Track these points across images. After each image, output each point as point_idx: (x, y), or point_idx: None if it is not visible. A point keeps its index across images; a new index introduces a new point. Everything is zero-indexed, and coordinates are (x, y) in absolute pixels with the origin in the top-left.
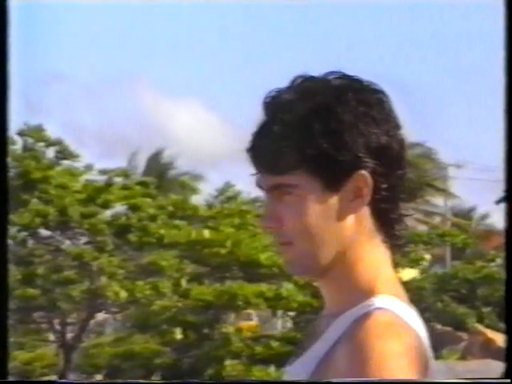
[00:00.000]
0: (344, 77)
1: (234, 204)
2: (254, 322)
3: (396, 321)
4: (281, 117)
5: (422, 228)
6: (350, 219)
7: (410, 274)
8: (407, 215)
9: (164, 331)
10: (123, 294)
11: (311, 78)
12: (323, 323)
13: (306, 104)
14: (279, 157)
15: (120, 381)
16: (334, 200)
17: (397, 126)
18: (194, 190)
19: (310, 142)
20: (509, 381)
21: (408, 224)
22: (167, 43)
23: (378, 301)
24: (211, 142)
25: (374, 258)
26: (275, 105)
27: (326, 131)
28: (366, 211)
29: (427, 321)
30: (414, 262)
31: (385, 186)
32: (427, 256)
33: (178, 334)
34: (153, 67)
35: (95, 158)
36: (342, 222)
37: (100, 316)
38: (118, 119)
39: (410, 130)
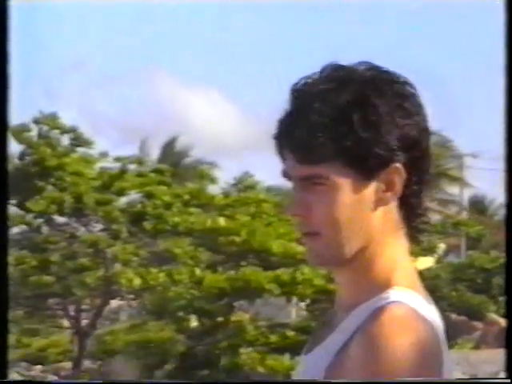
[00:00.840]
0: (374, 68)
1: (252, 193)
2: None
3: (411, 315)
4: (318, 106)
5: (437, 217)
6: (379, 212)
7: (425, 262)
8: (431, 209)
9: (179, 318)
10: (137, 281)
11: (342, 68)
12: (339, 314)
13: (344, 95)
14: (315, 147)
15: (119, 381)
16: (365, 192)
17: (425, 119)
18: (212, 180)
19: (347, 133)
20: (509, 381)
21: (429, 218)
22: (186, 32)
23: (393, 293)
24: (228, 131)
25: (394, 249)
26: (309, 94)
27: (365, 123)
28: (394, 203)
29: (442, 310)
30: (428, 251)
31: (415, 179)
32: (442, 245)
33: (193, 322)
34: (171, 56)
35: (112, 146)
36: (371, 214)
37: (114, 303)
38: (135, 107)
39: (431, 120)
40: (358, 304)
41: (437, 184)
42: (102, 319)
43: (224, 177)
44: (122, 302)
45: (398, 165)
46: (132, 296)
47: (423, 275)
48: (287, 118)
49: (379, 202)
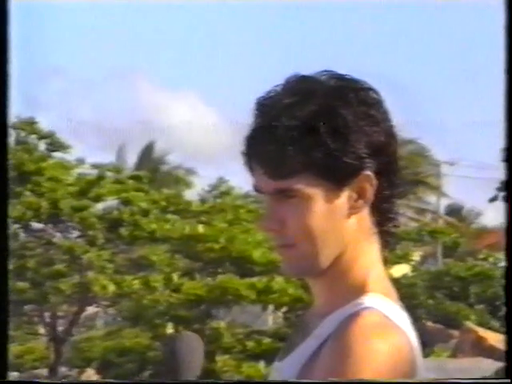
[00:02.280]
0: (338, 76)
1: (228, 199)
2: None
3: (383, 321)
4: (284, 121)
5: (414, 225)
6: (353, 220)
7: (401, 270)
8: (401, 213)
9: (155, 325)
10: (111, 288)
11: (305, 79)
12: (314, 321)
13: (309, 106)
14: (285, 161)
15: (119, 381)
16: (338, 201)
17: (391, 124)
18: (188, 185)
19: (316, 145)
20: (509, 381)
21: (399, 221)
22: (166, 36)
23: (367, 300)
24: (207, 136)
25: (368, 255)
26: (274, 108)
27: (333, 133)
28: (366, 210)
29: (418, 318)
30: (403, 259)
31: (385, 184)
32: (417, 253)
33: (169, 329)
34: (151, 60)
35: (91, 151)
36: (345, 222)
37: (91, 309)
38: (115, 112)
39: (403, 127)
40: (332, 311)
41: (414, 192)
42: (78, 326)
43: (202, 183)
44: (98, 309)
45: (368, 172)
46: (107, 303)
47: (399, 283)
48: (254, 134)
49: (352, 210)
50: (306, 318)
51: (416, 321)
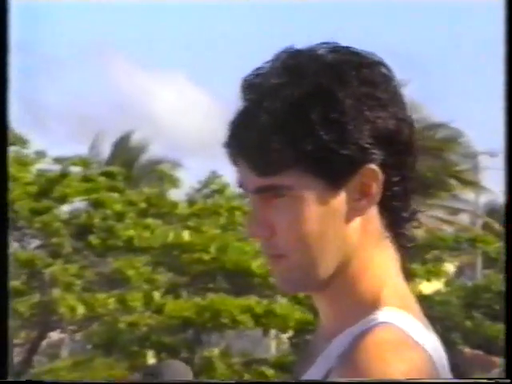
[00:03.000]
0: (338, 49)
1: (221, 199)
2: None
3: (400, 337)
4: (269, 105)
5: (448, 229)
6: (356, 222)
7: (432, 286)
8: (420, 211)
9: (133, 354)
10: (80, 310)
11: (298, 54)
12: (321, 344)
13: (299, 88)
14: (269, 154)
15: (119, 381)
16: (336, 201)
17: (404, 106)
18: (173, 182)
19: (307, 135)
20: (509, 381)
21: (429, 224)
22: (149, 7)
23: (381, 314)
24: (196, 123)
25: (381, 264)
26: (259, 89)
27: (326, 121)
28: (373, 210)
29: (454, 342)
30: (437, 272)
31: (396, 179)
32: (453, 264)
33: (150, 358)
34: (130, 35)
35: (59, 143)
36: (346, 226)
37: (55, 335)
38: (87, 96)
39: (432, 110)
40: (341, 330)
41: (447, 188)
42: (38, 355)
43: (190, 179)
44: (62, 335)
45: (371, 166)
46: (75, 327)
47: (430, 300)
48: (237, 121)
49: (353, 212)
50: (313, 341)
51: (451, 346)
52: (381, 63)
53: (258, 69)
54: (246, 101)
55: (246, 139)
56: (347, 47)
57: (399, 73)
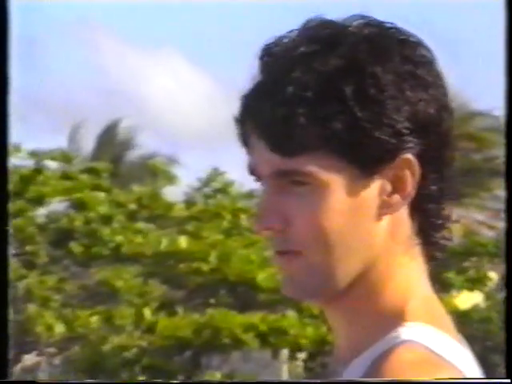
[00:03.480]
0: (375, 23)
1: (225, 199)
2: None
3: (426, 357)
4: (297, 75)
5: (489, 234)
6: (385, 222)
7: (469, 299)
8: (455, 221)
9: (121, 380)
10: (59, 328)
11: (331, 23)
12: (336, 369)
13: (333, 59)
14: (294, 131)
15: (119, 381)
16: (366, 193)
17: (446, 93)
18: (169, 179)
19: (338, 112)
20: (509, 381)
21: (467, 228)
22: None
23: (404, 331)
24: (195, 111)
25: (407, 273)
26: (285, 59)
27: (362, 97)
28: (404, 211)
29: (494, 365)
30: (476, 283)
31: (433, 176)
32: (494, 274)
33: None
34: (115, 9)
35: (36, 134)
36: (373, 225)
37: (30, 358)
38: (68, 80)
39: (470, 96)
40: (359, 351)
41: (488, 187)
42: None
43: (187, 177)
44: (39, 358)
45: (409, 156)
46: (53, 349)
47: (468, 317)
48: (255, 93)
49: (384, 207)
50: (330, 365)
51: (491, 369)
52: (422, 44)
53: (280, 37)
54: (267, 70)
55: (267, 112)
56: (383, 22)
57: None
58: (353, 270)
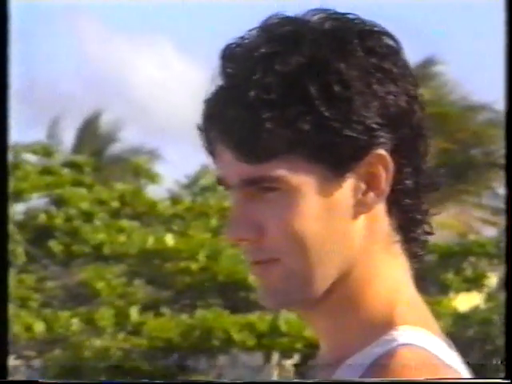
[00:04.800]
0: (336, 17)
1: (212, 197)
2: None
3: (429, 360)
4: (259, 78)
5: (489, 232)
6: (361, 221)
7: (468, 300)
8: (434, 214)
9: None
10: (38, 327)
11: (290, 20)
12: (325, 372)
13: (295, 58)
14: (260, 135)
15: (119, 381)
16: (339, 193)
17: (415, 84)
18: (151, 178)
19: (304, 113)
20: (509, 381)
21: (464, 226)
22: None
23: (400, 335)
24: (184, 103)
25: (390, 273)
26: (246, 60)
27: (327, 95)
28: (381, 208)
29: (495, 370)
30: (474, 283)
31: (408, 170)
32: (493, 274)
33: None
34: None
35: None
36: (350, 225)
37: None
38: (54, 70)
39: (469, 88)
40: (348, 355)
41: (488, 183)
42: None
43: (173, 173)
44: (17, 362)
45: (381, 151)
46: (32, 352)
47: (467, 319)
48: (217, 98)
49: (359, 206)
50: (314, 368)
51: (492, 373)
52: (387, 33)
53: (241, 38)
54: (228, 73)
55: (231, 118)
56: (346, 14)
57: None
58: (332, 273)
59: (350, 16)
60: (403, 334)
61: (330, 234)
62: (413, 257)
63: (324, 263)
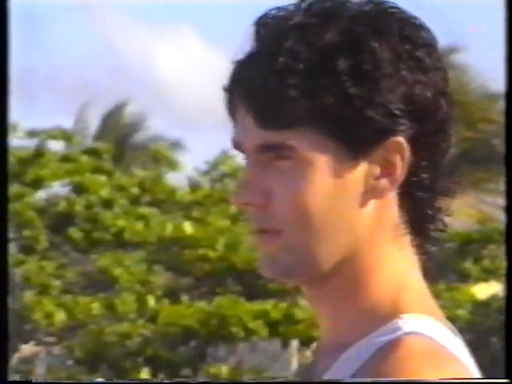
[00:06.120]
0: (377, 1)
1: (232, 184)
2: None
3: (437, 348)
4: (290, 45)
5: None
6: (371, 205)
7: (487, 289)
8: (447, 214)
9: (124, 371)
10: (59, 316)
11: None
12: (324, 359)
13: (329, 32)
14: (282, 103)
15: (120, 381)
16: (352, 174)
17: (447, 80)
18: (171, 165)
19: (329, 87)
20: (509, 381)
21: (484, 213)
22: None
23: (405, 323)
24: (208, 91)
25: (398, 263)
26: (280, 29)
27: (356, 73)
28: (393, 198)
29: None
30: (493, 273)
31: (425, 163)
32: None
33: (145, 376)
34: None
35: (47, 115)
36: (359, 208)
37: (28, 348)
38: (78, 59)
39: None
40: (350, 342)
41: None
42: (9, 372)
43: (195, 161)
44: (37, 348)
45: (400, 139)
46: (53, 338)
47: (486, 307)
48: (246, 63)
49: (371, 191)
50: (315, 355)
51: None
52: (424, 26)
53: (277, 9)
54: (259, 40)
55: (256, 83)
56: (387, 1)
57: None
58: (335, 252)
59: (390, 3)
60: (408, 322)
61: (338, 213)
62: (423, 252)
63: (327, 242)
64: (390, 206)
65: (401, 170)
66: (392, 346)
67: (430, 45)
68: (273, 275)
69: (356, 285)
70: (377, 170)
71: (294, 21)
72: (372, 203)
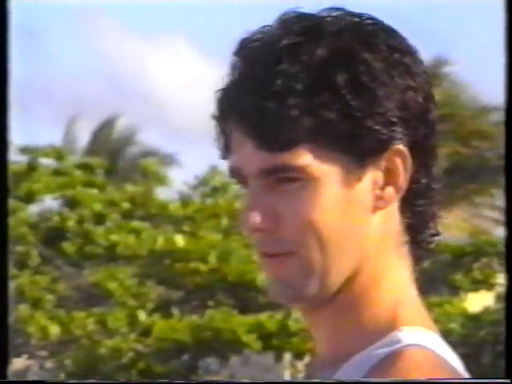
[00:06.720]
0: (352, 14)
1: (223, 198)
2: None
3: (438, 361)
4: (285, 67)
5: (501, 232)
6: (377, 217)
7: (479, 301)
8: (442, 219)
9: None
10: (53, 330)
11: (310, 15)
12: (321, 373)
13: (320, 49)
14: (284, 124)
15: (120, 381)
16: (358, 187)
17: (431, 85)
18: (160, 180)
19: (331, 102)
20: (509, 381)
21: (476, 226)
22: None
23: (405, 336)
24: (203, 104)
25: (398, 274)
26: (268, 51)
27: (355, 85)
28: (395, 206)
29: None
30: (483, 284)
31: (423, 169)
32: (502, 275)
33: None
34: None
35: (41, 128)
36: (366, 221)
37: (19, 362)
38: (71, 71)
39: (482, 89)
40: (349, 354)
41: (500, 183)
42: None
43: (186, 175)
44: (30, 362)
45: (400, 146)
46: (45, 352)
47: (477, 320)
48: (237, 88)
49: (377, 201)
50: (310, 368)
51: (503, 376)
52: (402, 35)
53: (258, 32)
54: (247, 64)
55: (252, 107)
56: (362, 14)
57: None
58: (346, 268)
59: (365, 15)
60: (407, 335)
61: (348, 228)
62: (417, 260)
63: (340, 258)
64: (393, 214)
65: (404, 177)
66: (392, 358)
67: (413, 51)
68: (284, 300)
69: (358, 299)
70: (381, 180)
71: (282, 42)
72: (378, 214)
